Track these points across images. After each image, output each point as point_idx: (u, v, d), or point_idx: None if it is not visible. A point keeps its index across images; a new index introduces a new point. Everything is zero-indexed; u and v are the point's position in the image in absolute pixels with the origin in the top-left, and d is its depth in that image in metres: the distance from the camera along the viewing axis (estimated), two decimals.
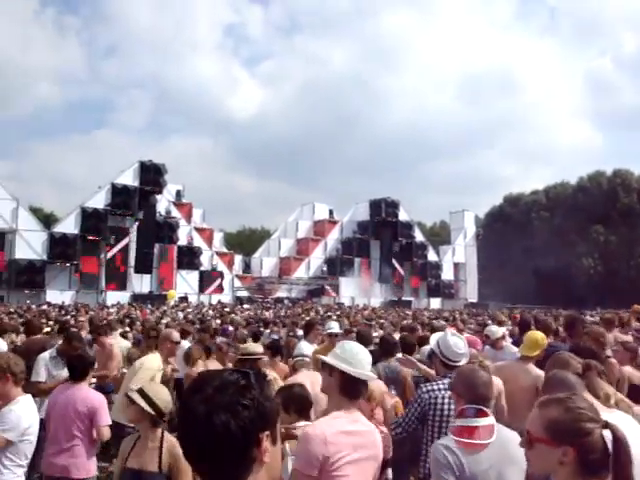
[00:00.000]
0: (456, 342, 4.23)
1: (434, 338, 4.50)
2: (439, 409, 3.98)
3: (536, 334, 6.03)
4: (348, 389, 2.80)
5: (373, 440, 2.80)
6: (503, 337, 7.81)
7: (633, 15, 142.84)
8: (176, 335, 6.52)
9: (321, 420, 2.85)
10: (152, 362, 6.05)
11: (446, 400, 3.95)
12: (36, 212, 50.46)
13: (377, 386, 4.92)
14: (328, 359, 2.87)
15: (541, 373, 5.49)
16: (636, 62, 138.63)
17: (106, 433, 4.96)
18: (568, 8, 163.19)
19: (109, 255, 41.86)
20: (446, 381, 3.98)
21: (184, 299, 41.94)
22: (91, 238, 40.80)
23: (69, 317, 18.14)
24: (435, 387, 4.09)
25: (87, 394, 5.04)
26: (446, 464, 2.70)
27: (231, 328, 12.00)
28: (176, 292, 44.25)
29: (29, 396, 4.23)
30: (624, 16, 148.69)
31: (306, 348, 6.64)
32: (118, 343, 7.75)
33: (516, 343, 7.49)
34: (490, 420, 2.87)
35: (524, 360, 5.87)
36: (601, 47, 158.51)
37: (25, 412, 4.09)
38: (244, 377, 1.42)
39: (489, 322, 13.00)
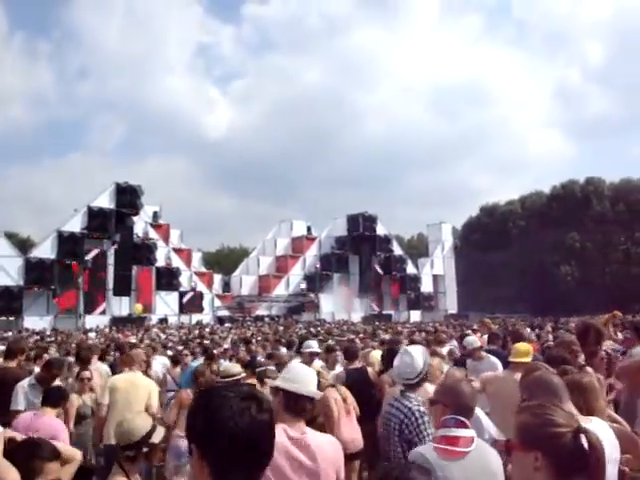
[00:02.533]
0: (405, 360, 4.10)
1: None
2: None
3: (523, 344, 6.16)
4: (291, 406, 2.97)
5: (310, 463, 2.87)
6: (481, 347, 7.75)
7: (597, 26, 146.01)
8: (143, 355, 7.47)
9: None
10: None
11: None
12: (12, 237, 49.82)
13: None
14: (274, 382, 3.09)
15: None
16: (602, 72, 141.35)
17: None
18: (534, 20, 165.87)
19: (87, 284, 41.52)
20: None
21: (164, 320, 41.68)
22: (68, 262, 40.46)
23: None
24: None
25: (50, 421, 5.05)
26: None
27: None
28: (156, 313, 44.13)
29: None
30: (589, 27, 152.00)
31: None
32: (98, 369, 7.71)
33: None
34: (469, 432, 2.92)
35: (513, 369, 5.95)
36: (568, 58, 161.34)
37: None
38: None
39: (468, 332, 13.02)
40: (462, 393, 3.08)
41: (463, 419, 2.94)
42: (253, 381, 6.58)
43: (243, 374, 5.97)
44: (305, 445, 2.89)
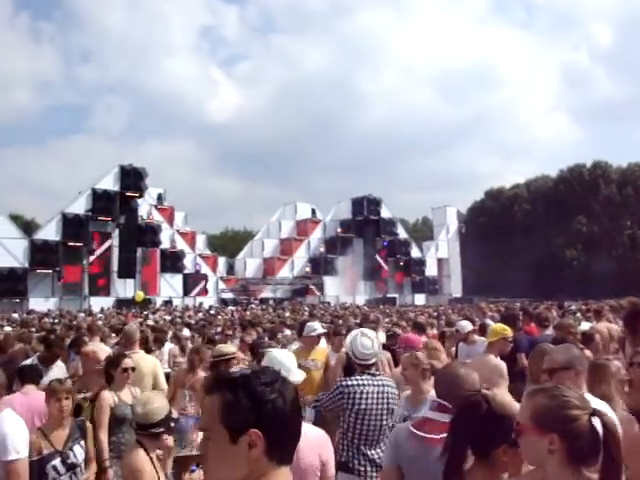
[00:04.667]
0: (363, 342, 4.45)
1: (349, 338, 4.69)
2: (356, 404, 4.27)
3: (497, 325, 6.47)
4: None
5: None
6: (473, 331, 7.87)
7: (605, 8, 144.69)
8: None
9: None
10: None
11: (363, 396, 4.29)
12: (16, 219, 49.87)
13: None
14: None
15: (497, 363, 5.82)
16: (610, 54, 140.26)
17: None
18: (542, 1, 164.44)
19: (90, 260, 41.62)
20: (365, 377, 4.37)
21: (168, 303, 41.74)
22: (73, 244, 40.55)
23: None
24: (354, 382, 4.35)
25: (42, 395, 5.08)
26: (394, 445, 2.92)
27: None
28: (160, 295, 44.20)
29: (10, 410, 4.01)
30: (597, 9, 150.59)
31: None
32: (101, 349, 7.62)
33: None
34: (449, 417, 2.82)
35: (486, 351, 6.09)
36: (576, 40, 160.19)
37: (14, 424, 3.87)
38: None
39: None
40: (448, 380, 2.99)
41: (445, 403, 2.84)
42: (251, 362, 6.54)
43: (236, 354, 5.96)
44: None
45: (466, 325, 7.90)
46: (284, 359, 3.12)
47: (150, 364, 6.62)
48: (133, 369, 5.45)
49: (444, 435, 2.68)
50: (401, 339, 6.72)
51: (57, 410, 4.31)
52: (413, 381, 4.62)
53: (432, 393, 4.42)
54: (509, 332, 6.04)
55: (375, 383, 4.38)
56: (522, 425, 1.94)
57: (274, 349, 3.36)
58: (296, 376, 3.06)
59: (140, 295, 39.81)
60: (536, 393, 2.00)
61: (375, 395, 4.33)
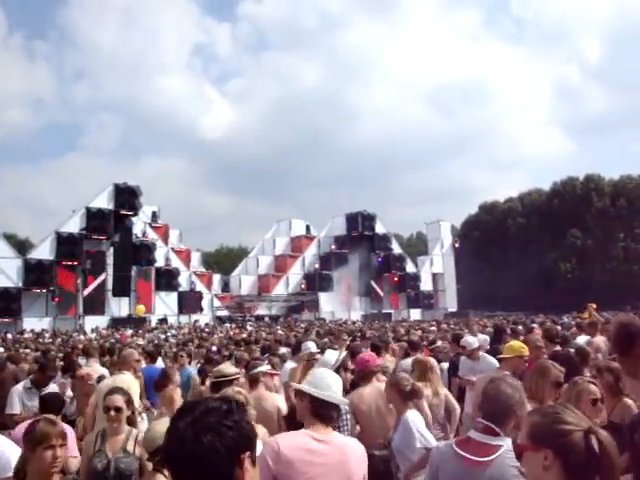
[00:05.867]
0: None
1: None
2: None
3: (515, 342, 6.24)
4: (319, 412, 2.93)
5: (340, 461, 2.86)
6: (479, 348, 7.77)
7: (595, 23, 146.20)
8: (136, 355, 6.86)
9: (284, 433, 3.05)
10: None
11: None
12: (10, 239, 49.65)
13: None
14: (298, 385, 3.10)
15: None
16: (601, 69, 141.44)
17: (74, 465, 4.52)
18: (533, 17, 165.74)
19: (87, 284, 41.39)
20: None
21: (164, 321, 41.58)
22: (67, 263, 40.40)
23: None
24: None
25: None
26: (435, 463, 2.91)
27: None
28: (155, 313, 44.02)
29: None
30: (586, 24, 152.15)
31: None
32: (95, 372, 7.58)
33: None
34: (495, 440, 2.74)
35: (500, 367, 5.97)
36: (567, 55, 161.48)
37: (5, 445, 3.85)
38: (226, 403, 1.59)
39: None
40: (487, 397, 2.93)
41: (492, 426, 2.77)
42: (245, 383, 6.48)
43: (238, 375, 5.82)
44: (334, 444, 2.89)
45: (472, 342, 7.78)
46: (331, 380, 3.06)
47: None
48: (118, 409, 4.21)
49: (489, 458, 2.68)
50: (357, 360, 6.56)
51: (47, 464, 3.08)
52: (391, 402, 4.72)
53: (407, 414, 4.50)
54: (526, 350, 5.84)
55: None
56: (521, 444, 1.98)
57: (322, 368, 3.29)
58: (340, 401, 3.04)
59: (140, 309, 39.54)
60: (533, 412, 2.06)
61: None
